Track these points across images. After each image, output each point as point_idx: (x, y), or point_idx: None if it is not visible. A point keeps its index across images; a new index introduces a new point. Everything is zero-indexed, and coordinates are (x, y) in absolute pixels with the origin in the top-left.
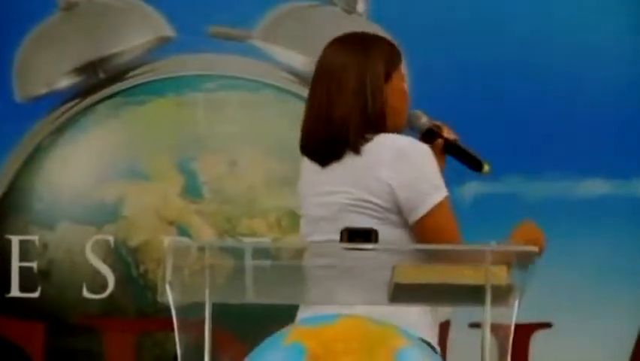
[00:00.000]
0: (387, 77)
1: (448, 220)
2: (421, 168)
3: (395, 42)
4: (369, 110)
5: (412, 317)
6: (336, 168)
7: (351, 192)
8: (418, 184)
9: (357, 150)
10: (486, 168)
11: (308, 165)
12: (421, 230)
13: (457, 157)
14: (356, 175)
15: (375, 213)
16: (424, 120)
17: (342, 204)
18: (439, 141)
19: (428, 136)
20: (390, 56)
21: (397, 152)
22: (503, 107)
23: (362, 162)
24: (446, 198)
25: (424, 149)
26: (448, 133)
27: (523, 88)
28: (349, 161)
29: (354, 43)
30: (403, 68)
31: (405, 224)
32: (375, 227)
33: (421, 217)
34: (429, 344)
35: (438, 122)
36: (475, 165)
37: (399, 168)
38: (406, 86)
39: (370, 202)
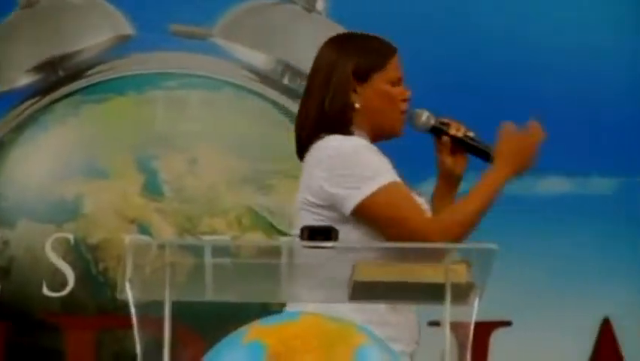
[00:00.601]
0: (365, 77)
1: (388, 208)
2: (347, 165)
3: (391, 42)
4: (325, 109)
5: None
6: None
7: (301, 192)
8: (344, 181)
9: (307, 150)
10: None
11: None
12: (364, 223)
13: (467, 151)
14: (304, 175)
15: (314, 211)
16: (424, 119)
17: (298, 202)
18: (445, 138)
19: (434, 134)
20: (373, 56)
21: (327, 151)
22: (463, 104)
23: (307, 161)
24: (383, 187)
25: (352, 145)
26: (455, 129)
27: (482, 84)
28: (305, 160)
29: (337, 43)
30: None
31: (347, 219)
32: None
33: (355, 210)
34: None
35: (445, 119)
36: (484, 156)
37: (327, 167)
38: (400, 87)
39: (308, 201)
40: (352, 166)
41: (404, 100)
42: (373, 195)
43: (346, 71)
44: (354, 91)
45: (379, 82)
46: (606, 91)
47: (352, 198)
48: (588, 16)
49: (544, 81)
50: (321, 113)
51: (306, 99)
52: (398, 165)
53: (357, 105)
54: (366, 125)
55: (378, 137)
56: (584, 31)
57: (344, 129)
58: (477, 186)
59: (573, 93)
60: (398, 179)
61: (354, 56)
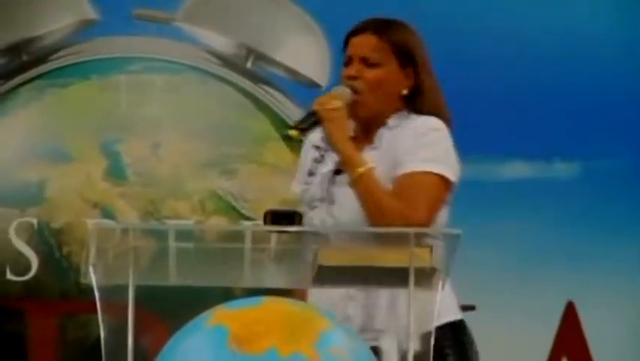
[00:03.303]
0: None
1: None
2: None
3: (360, 24)
4: None
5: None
6: None
7: None
8: None
9: None
10: (293, 133)
11: None
12: None
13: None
14: None
15: None
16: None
17: None
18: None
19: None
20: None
21: None
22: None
23: None
24: None
25: None
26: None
27: (444, 72)
28: None
29: None
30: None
31: None
32: None
33: None
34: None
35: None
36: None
37: None
38: (348, 67)
39: None
40: None
41: (347, 78)
42: None
43: None
44: None
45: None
46: (567, 76)
47: None
48: (554, 4)
49: (504, 68)
50: None
51: None
52: None
53: None
54: None
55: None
56: (548, 17)
57: None
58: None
59: (533, 79)
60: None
61: None
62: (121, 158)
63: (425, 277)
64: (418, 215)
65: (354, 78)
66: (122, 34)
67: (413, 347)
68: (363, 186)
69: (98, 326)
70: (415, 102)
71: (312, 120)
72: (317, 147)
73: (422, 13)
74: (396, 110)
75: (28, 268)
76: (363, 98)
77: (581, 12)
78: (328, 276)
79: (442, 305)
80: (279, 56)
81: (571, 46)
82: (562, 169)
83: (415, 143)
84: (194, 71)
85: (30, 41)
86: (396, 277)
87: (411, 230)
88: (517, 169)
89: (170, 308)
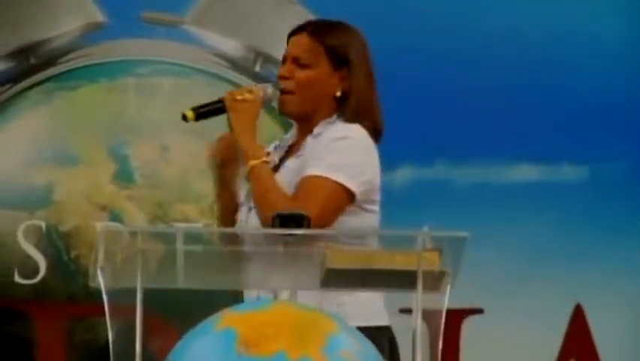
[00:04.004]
0: None
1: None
2: None
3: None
4: None
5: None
6: None
7: None
8: None
9: None
10: (189, 114)
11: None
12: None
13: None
14: None
15: None
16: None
17: None
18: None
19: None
20: None
21: None
22: (433, 92)
23: None
24: None
25: None
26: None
27: (452, 75)
28: None
29: None
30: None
31: None
32: None
33: None
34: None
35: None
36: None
37: None
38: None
39: None
40: None
41: (279, 77)
42: None
43: None
44: None
45: None
46: (574, 80)
47: None
48: (559, 5)
49: (512, 72)
50: None
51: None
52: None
53: None
54: None
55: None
56: (555, 20)
57: None
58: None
59: (542, 82)
60: None
61: None
62: (129, 161)
63: (433, 280)
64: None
65: (286, 78)
66: (130, 37)
67: (421, 353)
68: (254, 179)
69: (105, 329)
70: (345, 106)
71: (216, 107)
72: (267, 153)
73: (426, 14)
74: (329, 113)
75: (36, 271)
76: (292, 97)
77: (587, 15)
78: (336, 279)
79: (368, 309)
80: None
81: (578, 49)
82: (569, 172)
83: (325, 150)
84: (202, 74)
85: (38, 44)
86: (404, 279)
87: (419, 233)
88: (524, 172)
89: (178, 312)
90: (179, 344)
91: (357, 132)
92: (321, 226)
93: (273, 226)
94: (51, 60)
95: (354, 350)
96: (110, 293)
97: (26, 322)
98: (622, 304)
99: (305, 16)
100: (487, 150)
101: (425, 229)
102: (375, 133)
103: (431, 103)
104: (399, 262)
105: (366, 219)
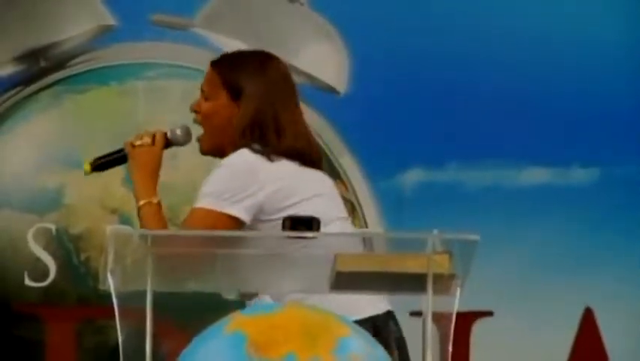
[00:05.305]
0: None
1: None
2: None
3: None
4: None
5: None
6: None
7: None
8: None
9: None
10: (85, 167)
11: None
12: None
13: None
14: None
15: None
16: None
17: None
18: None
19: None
20: None
21: None
22: (445, 95)
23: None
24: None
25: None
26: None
27: (463, 77)
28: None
29: None
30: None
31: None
32: None
33: None
34: None
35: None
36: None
37: None
38: None
39: None
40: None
41: (192, 112)
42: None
43: None
44: None
45: None
46: (585, 83)
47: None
48: (568, 8)
49: (523, 74)
50: None
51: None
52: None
53: None
54: None
55: None
56: (568, 23)
57: None
58: None
59: (553, 86)
60: None
61: None
62: None
63: (443, 283)
64: None
65: (195, 112)
66: (140, 40)
67: (431, 355)
68: (139, 218)
69: (115, 332)
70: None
71: (116, 156)
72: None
73: (438, 16)
74: (236, 144)
75: (46, 274)
76: (203, 135)
77: (601, 17)
78: (346, 282)
79: (353, 302)
80: (297, 62)
81: (590, 52)
82: (580, 175)
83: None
84: None
85: (48, 47)
86: (414, 282)
87: (429, 235)
88: (535, 175)
89: (188, 314)
90: (189, 346)
91: (234, 158)
92: None
93: (283, 228)
94: (61, 63)
95: (364, 353)
96: (119, 296)
97: (36, 325)
98: (632, 308)
99: (314, 19)
100: (498, 153)
101: (435, 231)
102: (291, 154)
103: (442, 105)
104: (409, 264)
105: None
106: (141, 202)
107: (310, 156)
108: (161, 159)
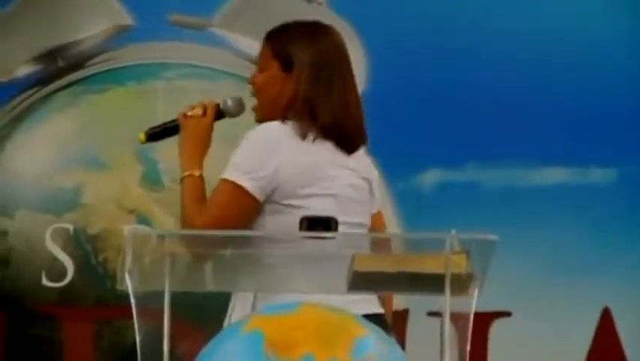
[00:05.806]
0: None
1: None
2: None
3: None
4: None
5: None
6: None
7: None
8: None
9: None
10: (140, 136)
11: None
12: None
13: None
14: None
15: None
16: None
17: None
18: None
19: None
20: None
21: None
22: (462, 95)
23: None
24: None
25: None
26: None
27: (481, 76)
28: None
29: None
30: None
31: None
32: None
33: None
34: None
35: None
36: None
37: None
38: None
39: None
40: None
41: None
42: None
43: None
44: None
45: None
46: (604, 82)
47: None
48: (588, 9)
49: (542, 74)
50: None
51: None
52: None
53: None
54: None
55: None
56: (582, 23)
57: None
58: None
59: (571, 85)
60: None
61: None
62: (157, 164)
63: (461, 283)
64: (198, 220)
65: (250, 83)
66: (158, 40)
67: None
68: (181, 191)
69: (133, 332)
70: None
71: (169, 125)
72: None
73: (456, 17)
74: (284, 116)
75: (63, 275)
76: (257, 105)
77: (617, 16)
78: (364, 282)
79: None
80: None
81: (608, 52)
82: (598, 175)
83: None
84: (231, 77)
85: (66, 47)
86: (432, 282)
87: (447, 235)
88: (553, 175)
89: (205, 315)
90: (207, 347)
91: (260, 130)
92: (223, 226)
93: (300, 229)
94: (79, 63)
95: (382, 353)
96: (137, 296)
97: (54, 325)
98: None
99: (332, 19)
100: (515, 153)
101: (453, 231)
102: (325, 131)
103: (460, 106)
104: (427, 265)
105: (291, 218)
106: (184, 174)
107: (349, 136)
108: (211, 130)
